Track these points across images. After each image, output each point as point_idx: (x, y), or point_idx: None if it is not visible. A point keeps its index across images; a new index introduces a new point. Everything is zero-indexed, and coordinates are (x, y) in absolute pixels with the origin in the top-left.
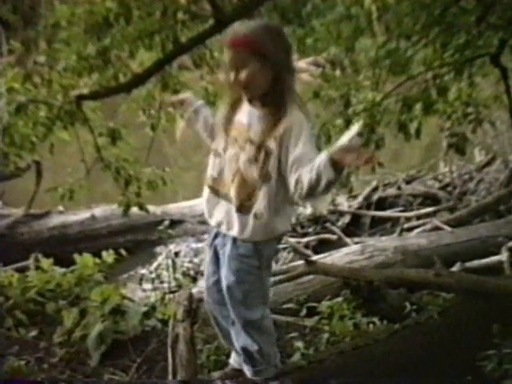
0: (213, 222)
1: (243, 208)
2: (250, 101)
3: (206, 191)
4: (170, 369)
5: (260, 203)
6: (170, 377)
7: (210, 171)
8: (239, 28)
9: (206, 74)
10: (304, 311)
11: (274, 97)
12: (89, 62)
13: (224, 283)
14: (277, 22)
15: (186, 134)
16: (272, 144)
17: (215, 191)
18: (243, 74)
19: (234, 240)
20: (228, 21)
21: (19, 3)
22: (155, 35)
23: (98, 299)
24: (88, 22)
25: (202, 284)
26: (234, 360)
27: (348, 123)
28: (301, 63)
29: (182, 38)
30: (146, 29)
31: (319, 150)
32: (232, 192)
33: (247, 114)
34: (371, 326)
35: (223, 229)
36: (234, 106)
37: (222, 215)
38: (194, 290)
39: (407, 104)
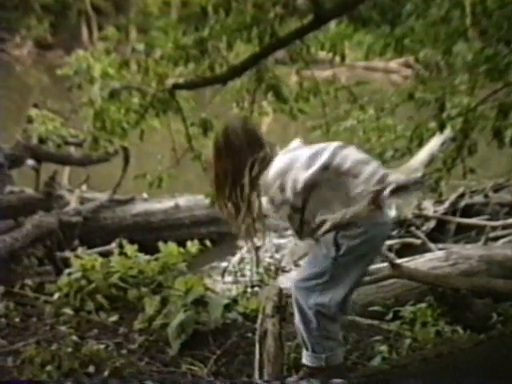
0: None
1: None
2: None
3: None
4: (256, 364)
5: None
6: (256, 371)
7: None
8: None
9: (301, 68)
10: (390, 315)
11: None
12: (186, 51)
13: None
14: (376, 20)
15: (272, 127)
16: None
17: None
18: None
19: None
20: (327, 17)
21: None
22: (253, 28)
23: (181, 288)
24: (183, 12)
25: (281, 280)
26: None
27: (442, 127)
28: (392, 64)
29: (280, 32)
30: (244, 21)
31: (411, 152)
32: None
33: None
34: (454, 334)
35: None
36: None
37: None
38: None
39: (503, 111)
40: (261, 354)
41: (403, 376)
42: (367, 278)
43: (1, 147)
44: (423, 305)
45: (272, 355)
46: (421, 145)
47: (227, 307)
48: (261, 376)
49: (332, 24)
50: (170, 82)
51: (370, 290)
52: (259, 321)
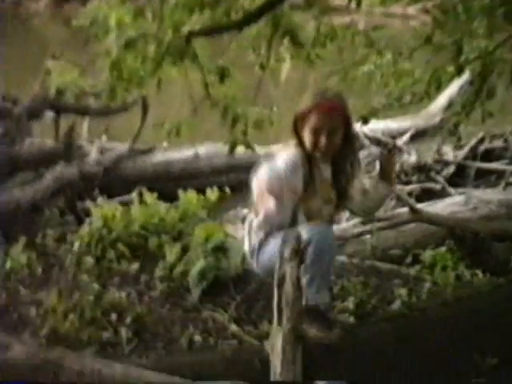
0: None
1: None
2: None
3: None
4: (274, 307)
5: None
6: (275, 316)
7: None
8: (328, 94)
9: (318, 14)
10: (409, 259)
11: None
12: None
13: None
14: None
15: (290, 75)
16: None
17: None
18: (335, 139)
19: None
20: None
21: None
22: None
23: (202, 236)
24: None
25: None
26: None
27: (460, 71)
28: (410, 9)
29: None
30: None
31: (429, 96)
32: None
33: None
34: (474, 278)
35: None
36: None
37: None
38: None
39: None
40: (279, 298)
41: (423, 319)
42: (387, 223)
43: (19, 99)
44: (443, 249)
45: (290, 299)
46: (439, 89)
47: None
48: (279, 320)
49: None
50: (186, 29)
51: (390, 234)
52: (277, 264)
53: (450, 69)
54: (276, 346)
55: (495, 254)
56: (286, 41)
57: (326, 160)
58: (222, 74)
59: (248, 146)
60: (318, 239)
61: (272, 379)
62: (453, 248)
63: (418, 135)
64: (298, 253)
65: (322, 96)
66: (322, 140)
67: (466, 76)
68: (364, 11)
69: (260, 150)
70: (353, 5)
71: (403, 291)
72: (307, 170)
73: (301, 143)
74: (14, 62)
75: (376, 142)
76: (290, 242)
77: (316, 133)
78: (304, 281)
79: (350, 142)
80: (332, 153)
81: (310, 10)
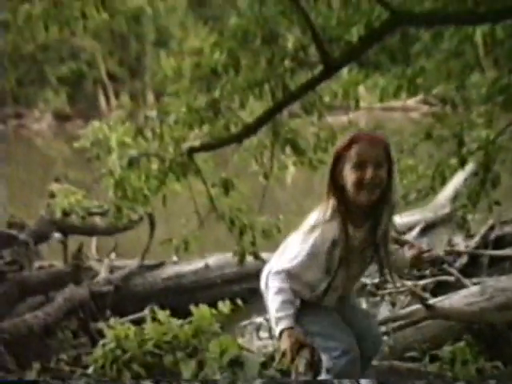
0: None
1: None
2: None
3: None
4: None
5: None
6: None
7: None
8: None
9: (316, 119)
10: (427, 359)
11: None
12: (199, 113)
13: None
14: (385, 63)
15: (296, 178)
16: None
17: None
18: (381, 172)
19: None
20: (337, 66)
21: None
22: (264, 84)
23: (216, 351)
24: (195, 74)
25: None
26: None
27: (463, 163)
28: (410, 102)
29: (291, 85)
30: (255, 78)
31: (434, 191)
32: None
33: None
34: (495, 370)
35: None
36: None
37: None
38: None
39: None
40: None
41: None
42: (403, 322)
43: (25, 224)
44: (461, 343)
45: None
46: (444, 183)
47: (264, 365)
48: None
49: (344, 71)
50: (186, 145)
51: (408, 332)
52: (293, 378)
53: (453, 161)
54: None
55: None
56: (287, 149)
57: (362, 216)
58: (226, 187)
59: (256, 256)
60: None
61: None
62: (471, 342)
63: (428, 228)
64: (313, 366)
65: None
66: (368, 172)
67: (470, 166)
68: (364, 108)
69: (271, 256)
70: (351, 104)
71: None
72: (343, 241)
73: (339, 193)
74: (18, 183)
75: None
76: (303, 355)
77: (361, 165)
78: None
79: (391, 184)
80: (375, 200)
81: (309, 116)
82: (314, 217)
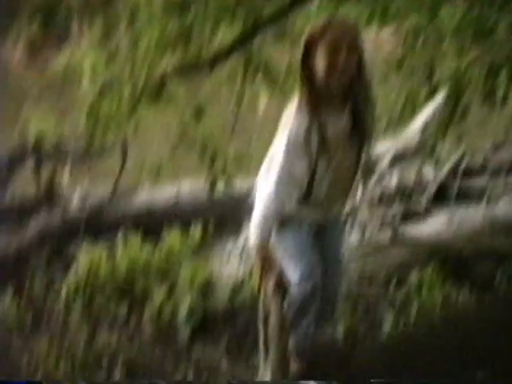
0: None
1: None
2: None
3: None
4: (260, 345)
5: None
6: (261, 353)
7: None
8: (342, 26)
9: (288, 47)
10: (393, 283)
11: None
12: (171, 39)
13: None
14: None
15: (267, 108)
16: None
17: None
18: (352, 60)
19: None
20: None
21: None
22: (236, 10)
23: (187, 275)
24: (167, 1)
25: None
26: None
27: (433, 93)
28: (382, 33)
29: (263, 13)
30: (226, 4)
31: (404, 120)
32: None
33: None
34: (460, 296)
35: None
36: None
37: None
38: None
39: (492, 71)
40: (265, 333)
41: (411, 340)
42: (371, 248)
43: None
44: (428, 269)
45: (276, 333)
46: (414, 112)
47: (234, 290)
48: (266, 356)
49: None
50: (159, 71)
51: (376, 259)
52: (261, 303)
53: (424, 91)
54: (265, 379)
55: (480, 271)
56: (259, 76)
57: (337, 103)
58: (198, 113)
59: (228, 182)
60: (304, 287)
61: None
62: (437, 268)
63: (398, 158)
64: (281, 288)
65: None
66: (341, 59)
67: (441, 97)
68: None
69: (242, 183)
70: None
71: (391, 315)
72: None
73: (309, 81)
74: None
75: None
76: (273, 276)
77: (333, 51)
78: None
79: (362, 74)
80: (346, 84)
81: (281, 44)
82: (286, 113)
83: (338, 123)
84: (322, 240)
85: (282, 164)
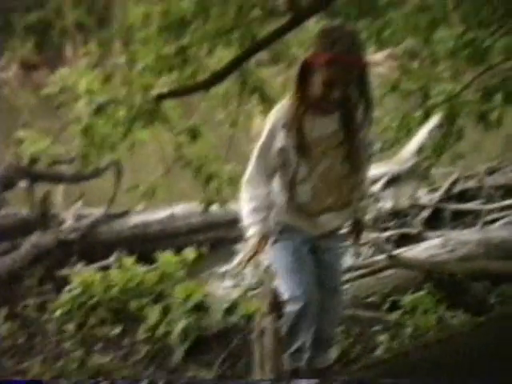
0: None
1: None
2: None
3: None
4: (256, 362)
5: None
6: (257, 370)
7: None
8: (345, 42)
9: (284, 69)
10: (387, 305)
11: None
12: (167, 61)
13: None
14: (353, 14)
15: (261, 130)
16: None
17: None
18: (349, 90)
19: None
20: (304, 15)
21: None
22: (233, 32)
23: (181, 296)
24: (164, 22)
25: None
26: None
27: (427, 115)
28: (378, 56)
29: (260, 34)
30: (223, 26)
31: (399, 143)
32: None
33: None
34: (455, 319)
35: None
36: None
37: None
38: None
39: (487, 93)
40: (260, 352)
41: (405, 363)
42: (365, 271)
43: None
44: (422, 292)
45: (271, 352)
46: (408, 135)
47: (228, 311)
48: (262, 372)
49: (311, 22)
50: (154, 92)
51: (370, 282)
52: (257, 320)
53: (418, 114)
54: None
55: (474, 293)
56: (254, 97)
57: (328, 108)
58: (194, 134)
59: (222, 204)
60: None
61: None
62: (432, 291)
63: (393, 181)
64: (276, 306)
65: (337, 41)
66: (336, 94)
67: (435, 120)
68: None
69: (237, 206)
70: None
71: (385, 337)
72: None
73: (302, 93)
74: None
75: None
76: (267, 296)
77: (329, 86)
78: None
79: (363, 84)
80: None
81: (276, 65)
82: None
83: (326, 127)
84: (319, 265)
85: (257, 155)
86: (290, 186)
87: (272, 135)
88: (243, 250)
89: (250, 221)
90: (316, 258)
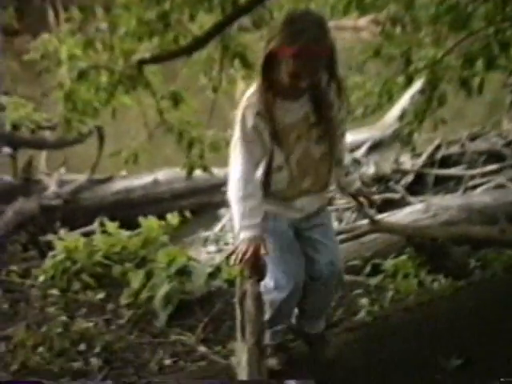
0: None
1: None
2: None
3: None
4: (237, 325)
5: None
6: (238, 333)
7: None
8: (311, 32)
9: (265, 34)
10: (368, 268)
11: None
12: (149, 26)
13: None
14: None
15: (244, 93)
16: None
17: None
18: (315, 78)
19: None
20: None
21: None
22: None
23: (164, 261)
24: None
25: None
26: None
27: (410, 81)
28: (361, 21)
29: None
30: None
31: (381, 108)
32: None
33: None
34: (436, 283)
35: None
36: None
37: None
38: None
39: (469, 60)
40: (242, 315)
41: (386, 326)
42: (348, 235)
43: None
44: (404, 257)
45: (252, 315)
46: (390, 100)
47: (211, 275)
48: (243, 336)
49: None
50: (136, 58)
51: (352, 246)
52: (238, 283)
53: (400, 79)
54: (241, 361)
55: (455, 258)
56: (236, 63)
57: (299, 94)
58: (176, 100)
59: (205, 168)
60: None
61: None
62: (413, 255)
63: (375, 147)
64: (258, 269)
65: (303, 31)
66: (303, 84)
67: (418, 85)
68: None
69: (220, 171)
70: None
71: (366, 301)
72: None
73: (269, 83)
74: None
75: None
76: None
77: (296, 77)
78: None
79: (331, 67)
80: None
81: (258, 30)
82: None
83: (297, 112)
84: (309, 243)
85: (239, 147)
86: (266, 174)
87: (246, 125)
88: (235, 253)
89: (245, 223)
90: (305, 237)
